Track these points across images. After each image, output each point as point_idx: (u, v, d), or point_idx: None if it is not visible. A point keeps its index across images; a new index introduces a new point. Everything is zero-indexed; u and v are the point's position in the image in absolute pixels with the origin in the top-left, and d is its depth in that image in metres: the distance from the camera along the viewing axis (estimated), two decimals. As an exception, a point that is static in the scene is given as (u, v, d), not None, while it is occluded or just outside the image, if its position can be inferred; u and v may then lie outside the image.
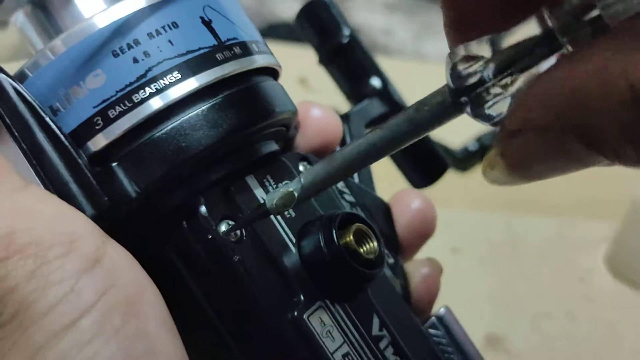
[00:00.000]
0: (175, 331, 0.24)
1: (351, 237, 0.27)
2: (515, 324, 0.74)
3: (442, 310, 0.33)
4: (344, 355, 0.27)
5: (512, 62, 0.20)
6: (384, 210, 0.35)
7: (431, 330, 0.32)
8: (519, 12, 0.20)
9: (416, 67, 1.18)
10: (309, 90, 0.89)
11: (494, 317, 0.74)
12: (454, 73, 0.21)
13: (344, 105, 0.43)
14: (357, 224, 0.28)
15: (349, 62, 0.41)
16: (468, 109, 0.21)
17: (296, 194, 0.25)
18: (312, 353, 0.26)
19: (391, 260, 0.33)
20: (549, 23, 0.19)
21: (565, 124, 0.19)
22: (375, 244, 0.28)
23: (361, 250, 0.28)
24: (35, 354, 0.22)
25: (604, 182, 0.93)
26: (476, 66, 0.20)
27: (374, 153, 0.24)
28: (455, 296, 0.75)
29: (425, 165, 0.41)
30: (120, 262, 0.24)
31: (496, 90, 0.20)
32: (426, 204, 0.35)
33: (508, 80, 0.20)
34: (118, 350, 0.22)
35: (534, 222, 0.86)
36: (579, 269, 0.82)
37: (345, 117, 0.37)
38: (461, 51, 0.21)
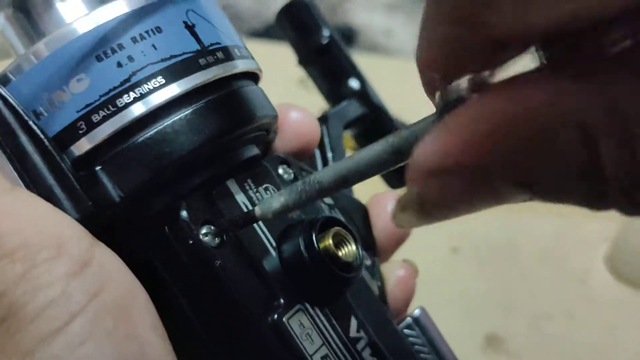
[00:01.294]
0: (165, 334, 0.24)
1: (330, 242, 0.28)
2: (515, 324, 0.74)
3: (417, 311, 0.33)
4: (323, 357, 0.27)
5: None
6: (362, 213, 0.35)
7: (406, 331, 0.32)
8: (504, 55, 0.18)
9: (416, 67, 1.18)
10: (309, 91, 0.89)
11: (494, 317, 0.74)
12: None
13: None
14: (336, 228, 0.28)
15: (328, 63, 0.41)
16: None
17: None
18: (291, 355, 0.26)
19: (368, 262, 0.33)
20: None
21: (500, 165, 0.17)
22: (354, 247, 0.29)
23: (340, 253, 0.28)
24: (24, 358, 0.22)
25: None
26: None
27: (354, 176, 0.23)
28: (454, 296, 0.75)
29: (402, 166, 0.41)
30: (109, 264, 0.24)
31: None
32: None
33: None
34: (110, 352, 0.22)
35: (533, 222, 0.86)
36: (579, 269, 0.81)
37: (323, 119, 0.37)
38: (452, 91, 0.19)
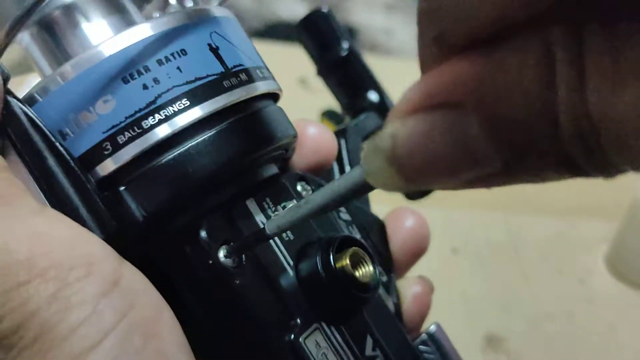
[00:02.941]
0: (191, 352, 0.25)
1: (347, 261, 0.28)
2: (515, 324, 0.74)
3: (432, 327, 0.33)
4: None
5: None
6: (379, 228, 0.35)
7: (422, 347, 0.33)
8: None
9: (416, 67, 1.18)
10: (309, 91, 0.89)
11: (494, 317, 0.74)
12: None
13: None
14: (354, 248, 0.28)
15: (347, 76, 0.41)
16: None
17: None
18: None
19: (385, 278, 0.34)
20: None
21: None
22: (371, 268, 0.29)
23: (357, 274, 0.28)
24: None
25: (604, 182, 0.93)
26: None
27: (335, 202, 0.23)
28: (455, 296, 0.75)
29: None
30: (137, 283, 0.24)
31: None
32: (420, 222, 0.36)
33: None
34: None
35: (534, 222, 0.87)
36: (579, 270, 0.82)
37: (342, 132, 0.37)
38: None
